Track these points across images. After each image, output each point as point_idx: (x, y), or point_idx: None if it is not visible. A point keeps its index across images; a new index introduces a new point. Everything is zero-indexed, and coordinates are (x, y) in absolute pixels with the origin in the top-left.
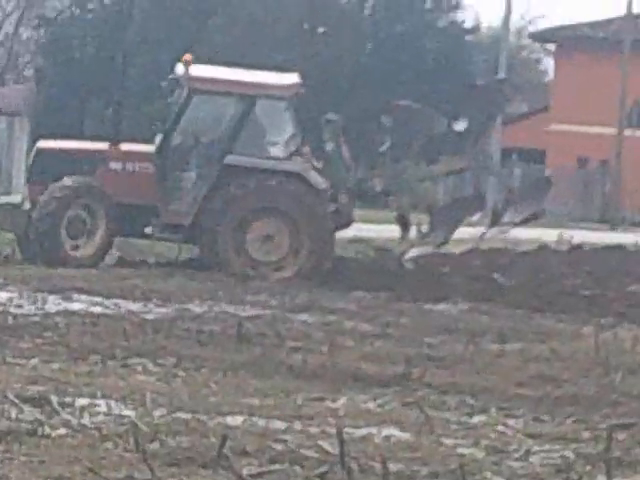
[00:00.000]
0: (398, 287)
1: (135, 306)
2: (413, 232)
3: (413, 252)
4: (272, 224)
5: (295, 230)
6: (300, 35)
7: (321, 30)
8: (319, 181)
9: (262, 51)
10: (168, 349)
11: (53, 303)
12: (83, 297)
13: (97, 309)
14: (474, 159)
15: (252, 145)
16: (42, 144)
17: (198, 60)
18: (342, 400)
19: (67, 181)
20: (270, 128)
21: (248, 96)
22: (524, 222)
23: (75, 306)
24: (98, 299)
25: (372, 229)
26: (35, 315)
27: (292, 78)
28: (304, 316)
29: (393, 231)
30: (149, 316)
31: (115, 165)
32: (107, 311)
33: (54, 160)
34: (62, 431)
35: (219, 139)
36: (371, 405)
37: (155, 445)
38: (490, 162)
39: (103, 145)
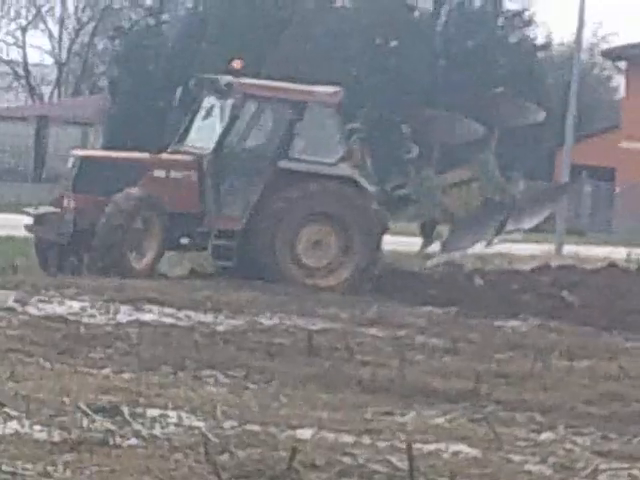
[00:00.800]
0: (468, 303)
1: (206, 317)
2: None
3: (436, 259)
4: (322, 229)
5: (345, 234)
6: (372, 49)
7: (393, 44)
8: (368, 185)
9: (334, 65)
10: (239, 361)
11: (125, 313)
12: (155, 308)
13: (169, 320)
14: (481, 169)
15: (303, 150)
16: (84, 153)
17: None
18: (411, 415)
19: (131, 193)
20: (319, 134)
21: (298, 102)
22: (532, 227)
23: (147, 317)
24: (170, 310)
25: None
26: (107, 325)
27: (335, 89)
28: (374, 330)
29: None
30: (220, 328)
31: (159, 173)
32: (178, 322)
33: (99, 170)
34: (133, 441)
35: (271, 144)
36: (440, 420)
37: (225, 457)
38: (496, 173)
39: (144, 155)
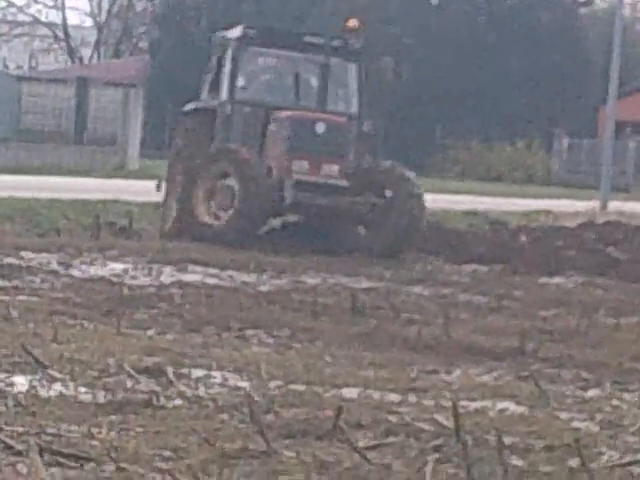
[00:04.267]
0: (512, 260)
1: (249, 278)
2: None
3: None
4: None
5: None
6: (414, 7)
7: (435, 2)
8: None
9: (377, 24)
10: (283, 321)
11: (168, 275)
12: (198, 269)
13: (212, 281)
14: None
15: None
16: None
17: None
18: (456, 373)
19: None
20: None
21: None
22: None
23: (190, 278)
24: (213, 271)
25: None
26: (150, 286)
27: None
28: (418, 288)
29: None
30: (263, 288)
31: None
32: (222, 283)
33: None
34: (178, 402)
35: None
36: (485, 378)
37: (270, 417)
38: None
39: None
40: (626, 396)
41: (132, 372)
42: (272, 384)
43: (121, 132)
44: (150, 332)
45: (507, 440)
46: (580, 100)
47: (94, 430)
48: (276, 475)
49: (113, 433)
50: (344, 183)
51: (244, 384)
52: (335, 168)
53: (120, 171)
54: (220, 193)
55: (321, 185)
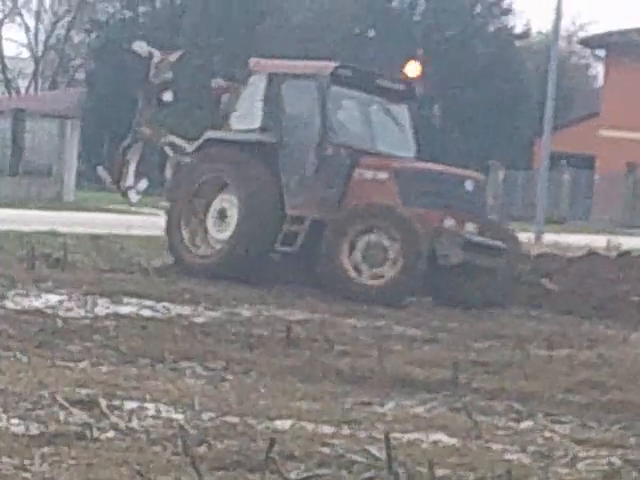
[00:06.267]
0: (445, 292)
1: (184, 310)
2: None
3: None
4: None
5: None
6: (350, 39)
7: (371, 34)
8: None
9: (312, 56)
10: (217, 353)
11: (103, 306)
12: (133, 300)
13: (146, 312)
14: None
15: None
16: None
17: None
18: (390, 405)
19: None
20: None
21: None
22: None
23: (125, 309)
24: (148, 302)
25: None
26: (85, 318)
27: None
28: (353, 320)
29: None
30: (198, 320)
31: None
32: (156, 314)
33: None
34: (111, 434)
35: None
36: (419, 410)
37: (203, 449)
38: None
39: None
40: (558, 428)
41: (65, 404)
42: (205, 416)
43: (57, 164)
44: (84, 364)
45: (439, 472)
46: (516, 132)
47: (27, 462)
48: None
49: (46, 465)
50: (501, 244)
51: (177, 416)
52: (474, 226)
53: (56, 203)
54: (368, 249)
55: (485, 246)
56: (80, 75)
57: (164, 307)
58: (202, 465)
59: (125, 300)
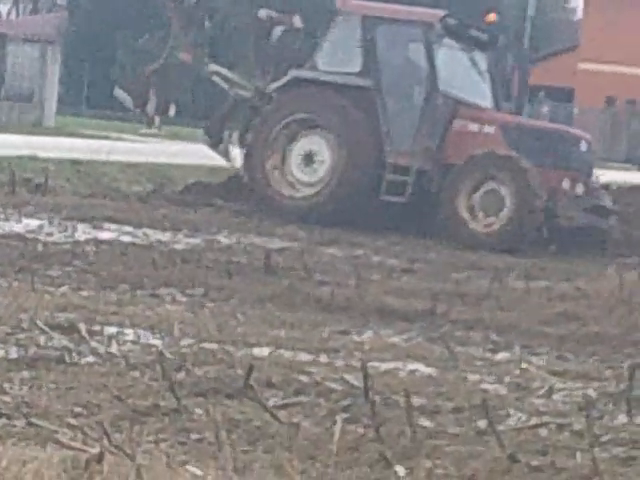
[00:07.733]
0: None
1: (164, 236)
2: None
3: None
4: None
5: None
6: None
7: None
8: None
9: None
10: (196, 280)
11: (83, 232)
12: (113, 226)
13: (126, 238)
14: None
15: None
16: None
17: None
18: (368, 334)
19: None
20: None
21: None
22: None
23: (105, 235)
24: (128, 228)
25: None
26: (65, 243)
27: None
28: (332, 249)
29: None
30: (178, 246)
31: None
32: (136, 240)
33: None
34: (90, 359)
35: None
36: (396, 339)
37: (181, 375)
38: None
39: None
40: (534, 359)
41: (45, 328)
42: (184, 342)
43: (38, 89)
44: (64, 289)
45: (416, 401)
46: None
47: (6, 385)
48: (186, 432)
49: (25, 389)
50: (612, 205)
51: (156, 342)
52: (583, 187)
53: (37, 128)
54: (484, 198)
55: (600, 207)
56: (62, 0)
57: (144, 233)
58: (180, 391)
59: (105, 226)
